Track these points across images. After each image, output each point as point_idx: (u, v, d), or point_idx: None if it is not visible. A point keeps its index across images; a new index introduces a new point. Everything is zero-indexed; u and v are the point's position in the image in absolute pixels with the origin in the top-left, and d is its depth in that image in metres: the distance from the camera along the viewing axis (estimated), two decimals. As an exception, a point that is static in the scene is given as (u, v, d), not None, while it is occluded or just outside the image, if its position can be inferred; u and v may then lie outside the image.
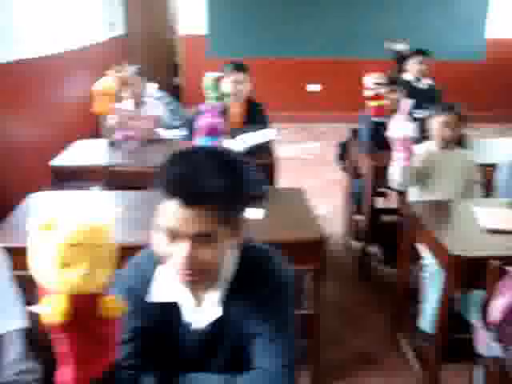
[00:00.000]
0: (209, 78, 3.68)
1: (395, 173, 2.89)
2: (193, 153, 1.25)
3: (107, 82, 3.73)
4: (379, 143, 3.63)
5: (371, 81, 3.72)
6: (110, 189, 3.13)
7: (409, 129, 2.78)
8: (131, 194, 2.88)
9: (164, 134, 4.02)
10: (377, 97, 3.71)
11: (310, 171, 5.76)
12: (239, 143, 3.00)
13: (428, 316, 2.68)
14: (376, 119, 3.69)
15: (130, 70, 4.01)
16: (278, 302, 1.34)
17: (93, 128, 6.20)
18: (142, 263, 1.39)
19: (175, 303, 1.34)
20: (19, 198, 2.72)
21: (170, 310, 1.34)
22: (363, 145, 3.75)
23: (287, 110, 7.33)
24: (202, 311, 1.34)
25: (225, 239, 1.21)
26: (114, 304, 0.98)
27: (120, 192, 2.95)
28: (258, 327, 1.32)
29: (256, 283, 1.34)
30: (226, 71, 3.76)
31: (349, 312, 3.28)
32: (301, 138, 7.23)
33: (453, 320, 2.40)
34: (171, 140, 3.91)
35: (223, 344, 1.38)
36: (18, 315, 1.43)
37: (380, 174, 3.42)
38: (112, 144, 3.76)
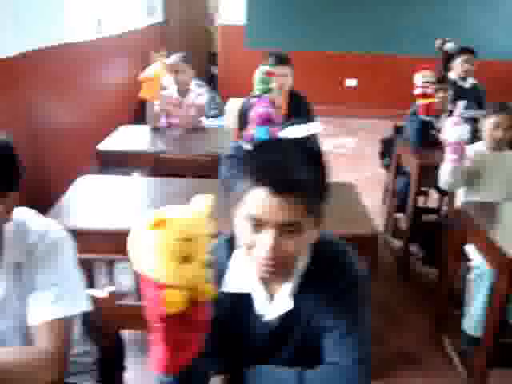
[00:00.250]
0: (260, 71, 3.68)
1: (446, 173, 2.86)
2: (281, 142, 1.25)
3: (155, 68, 3.71)
4: (426, 142, 3.61)
5: (421, 79, 3.66)
6: (155, 175, 3.16)
7: (464, 132, 2.76)
8: (181, 181, 2.92)
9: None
10: (426, 95, 3.66)
11: (347, 166, 5.72)
12: (290, 134, 2.98)
13: (474, 317, 2.64)
14: (424, 118, 3.65)
15: (176, 57, 3.99)
16: (353, 296, 1.32)
17: (132, 114, 6.27)
18: (217, 251, 1.37)
19: (248, 294, 1.33)
20: (63, 183, 2.75)
21: (243, 301, 1.33)
22: (410, 143, 3.71)
23: (324, 104, 7.27)
24: (273, 303, 1.33)
25: (308, 230, 1.20)
26: (210, 291, 0.99)
27: (169, 179, 2.98)
28: (332, 321, 1.30)
29: (330, 277, 1.32)
30: (270, 65, 3.73)
31: (391, 311, 3.25)
32: (339, 132, 7.16)
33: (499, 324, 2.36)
34: (215, 128, 3.91)
35: (292, 337, 1.37)
36: (83, 298, 1.44)
37: (425, 173, 3.40)
38: (156, 130, 3.78)
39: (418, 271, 3.73)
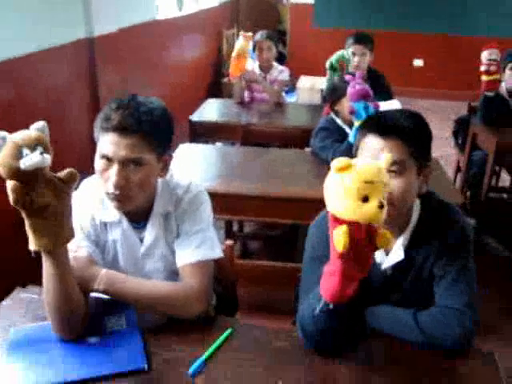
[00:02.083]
0: (334, 59, 3.83)
1: None
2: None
3: (241, 44, 3.90)
4: (499, 119, 3.66)
5: (485, 57, 3.72)
6: (243, 145, 3.38)
7: None
8: (277, 150, 3.20)
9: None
10: (490, 72, 3.72)
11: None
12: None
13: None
14: (488, 93, 3.71)
15: (260, 34, 4.15)
16: (462, 247, 1.51)
17: (207, 90, 6.49)
18: None
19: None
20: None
21: None
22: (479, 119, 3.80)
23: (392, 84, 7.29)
24: (390, 254, 1.53)
25: (413, 173, 1.44)
26: (388, 236, 1.14)
27: (267, 149, 3.23)
28: (443, 269, 1.49)
29: (441, 230, 1.52)
30: (347, 43, 3.88)
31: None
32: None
33: None
34: (297, 104, 4.08)
35: (404, 284, 1.56)
36: (218, 245, 1.64)
37: (501, 152, 3.49)
38: (241, 104, 3.98)
39: (491, 247, 3.79)
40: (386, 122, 1.48)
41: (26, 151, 1.12)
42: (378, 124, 1.48)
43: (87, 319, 1.41)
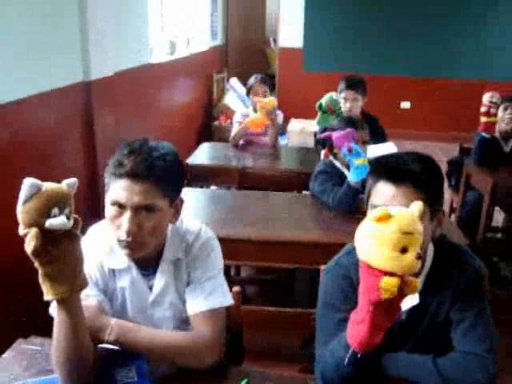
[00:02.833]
0: (326, 97, 3.89)
1: None
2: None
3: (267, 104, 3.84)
4: (489, 160, 3.71)
5: (487, 98, 3.81)
6: (239, 189, 3.37)
7: None
8: (276, 194, 3.16)
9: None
10: (489, 114, 3.80)
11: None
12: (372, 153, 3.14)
13: None
14: (484, 135, 3.77)
15: (254, 78, 4.17)
16: (477, 291, 1.49)
17: (202, 131, 6.52)
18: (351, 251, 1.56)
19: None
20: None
21: None
22: (473, 160, 3.85)
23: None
24: (405, 298, 1.49)
25: (427, 219, 1.42)
26: (414, 284, 1.13)
27: (264, 192, 3.23)
28: (460, 314, 1.46)
29: (456, 273, 1.50)
30: (339, 87, 3.91)
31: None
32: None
33: None
34: (290, 147, 4.09)
35: (419, 330, 1.53)
36: (229, 292, 1.60)
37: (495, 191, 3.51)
38: (236, 148, 3.98)
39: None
40: (397, 167, 1.46)
41: (55, 211, 1.13)
42: (388, 170, 1.46)
43: (96, 371, 1.35)
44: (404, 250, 1.08)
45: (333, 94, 3.92)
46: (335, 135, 2.71)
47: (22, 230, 1.12)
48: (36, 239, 1.10)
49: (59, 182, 1.20)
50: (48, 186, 1.15)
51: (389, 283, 1.08)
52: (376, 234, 1.10)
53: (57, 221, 1.11)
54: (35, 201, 1.11)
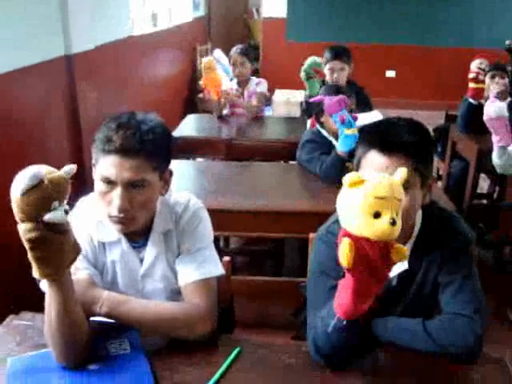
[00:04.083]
0: (309, 60, 3.85)
1: (494, 155, 2.87)
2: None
3: (204, 63, 3.86)
4: (475, 126, 3.72)
5: (476, 65, 3.81)
6: (226, 160, 3.35)
7: (502, 108, 2.73)
8: (264, 164, 3.18)
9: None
10: (477, 80, 3.80)
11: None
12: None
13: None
14: (472, 101, 3.78)
15: (234, 49, 4.14)
16: (466, 256, 1.50)
17: (187, 104, 6.47)
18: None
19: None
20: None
21: None
22: (458, 126, 3.89)
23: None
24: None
25: (418, 187, 1.42)
26: (402, 251, 1.12)
27: (253, 163, 3.25)
28: (448, 277, 1.48)
29: (445, 238, 1.51)
30: (324, 58, 3.87)
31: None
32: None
33: None
34: (276, 117, 4.07)
35: (408, 294, 1.55)
36: (219, 262, 1.60)
37: (482, 158, 3.53)
38: (220, 119, 3.96)
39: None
40: (389, 137, 1.42)
41: (55, 204, 1.10)
42: (381, 140, 1.43)
43: (90, 345, 1.35)
44: (377, 215, 1.06)
45: (315, 58, 3.86)
46: (327, 102, 2.64)
47: (19, 220, 1.11)
48: (36, 232, 1.09)
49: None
50: (50, 177, 1.10)
51: (341, 250, 1.08)
52: (349, 199, 1.08)
53: (56, 216, 1.09)
54: (37, 193, 1.08)
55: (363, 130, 1.62)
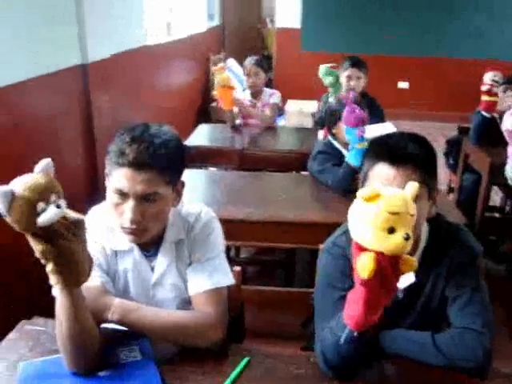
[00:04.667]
0: (323, 66, 3.87)
1: (508, 167, 2.87)
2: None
3: (219, 78, 3.87)
4: (488, 139, 3.72)
5: (489, 77, 3.81)
6: (238, 170, 3.37)
7: None
8: (277, 175, 3.18)
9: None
10: (491, 93, 3.80)
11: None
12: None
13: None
14: (485, 114, 3.77)
15: (249, 60, 4.17)
16: (474, 269, 1.51)
17: (196, 114, 6.50)
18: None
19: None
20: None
21: None
22: (470, 138, 3.89)
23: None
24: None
25: (425, 199, 1.44)
26: (411, 262, 1.13)
27: (266, 173, 3.27)
28: (456, 291, 1.48)
29: (452, 251, 1.51)
30: (342, 66, 3.90)
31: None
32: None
33: None
34: (288, 128, 4.09)
35: (415, 307, 1.55)
36: (229, 272, 1.61)
37: (494, 171, 3.51)
38: (234, 129, 3.98)
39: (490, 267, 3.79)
40: (396, 149, 1.45)
41: (40, 205, 1.07)
42: (388, 152, 1.45)
43: (101, 352, 1.36)
44: (392, 231, 1.08)
45: (325, 65, 3.89)
46: (349, 113, 2.59)
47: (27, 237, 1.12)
48: (42, 253, 1.10)
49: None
50: (21, 186, 1.06)
51: (363, 261, 1.09)
52: (364, 214, 1.10)
53: (47, 215, 1.07)
54: (16, 209, 1.05)
55: (370, 143, 1.64)
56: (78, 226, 1.17)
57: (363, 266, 1.09)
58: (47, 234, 1.10)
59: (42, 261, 1.13)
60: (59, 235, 1.12)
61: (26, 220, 1.06)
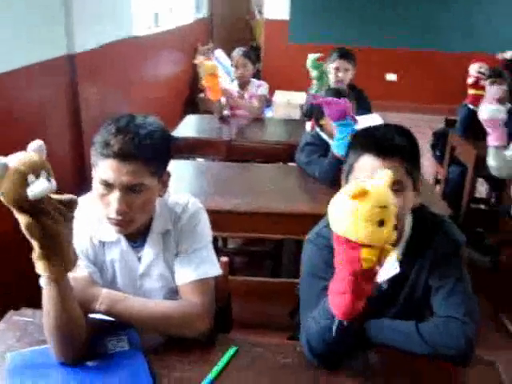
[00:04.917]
0: (311, 56, 3.87)
1: (489, 157, 2.87)
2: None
3: (206, 67, 3.86)
4: (474, 131, 3.73)
5: (475, 69, 3.80)
6: (226, 161, 3.37)
7: (497, 110, 2.74)
8: (266, 166, 3.20)
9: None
10: (478, 85, 3.80)
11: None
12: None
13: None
14: (472, 107, 3.78)
15: (237, 51, 4.17)
16: (457, 259, 1.53)
17: (184, 104, 6.48)
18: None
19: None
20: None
21: None
22: (456, 131, 3.91)
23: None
24: (383, 268, 1.52)
25: (410, 189, 1.46)
26: (388, 249, 1.16)
27: (255, 164, 3.27)
28: (439, 280, 1.50)
29: (435, 242, 1.53)
30: (330, 58, 3.90)
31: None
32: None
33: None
34: (276, 119, 4.09)
35: (399, 297, 1.57)
36: (217, 263, 1.62)
37: (480, 163, 3.54)
38: (221, 120, 3.98)
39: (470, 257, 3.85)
40: (382, 141, 1.47)
41: (31, 178, 1.08)
42: (374, 144, 1.46)
43: (89, 342, 1.37)
44: (381, 223, 1.11)
45: (313, 54, 3.89)
46: (329, 109, 2.59)
47: (15, 213, 1.12)
48: (28, 227, 1.11)
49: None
50: (14, 159, 1.10)
51: (369, 254, 1.13)
52: (353, 211, 1.12)
53: (37, 187, 1.08)
54: (6, 179, 1.07)
55: (355, 135, 1.64)
56: (70, 205, 1.18)
57: (369, 258, 1.13)
58: (34, 210, 1.10)
59: (28, 236, 1.13)
60: (46, 213, 1.12)
61: (15, 190, 1.07)
